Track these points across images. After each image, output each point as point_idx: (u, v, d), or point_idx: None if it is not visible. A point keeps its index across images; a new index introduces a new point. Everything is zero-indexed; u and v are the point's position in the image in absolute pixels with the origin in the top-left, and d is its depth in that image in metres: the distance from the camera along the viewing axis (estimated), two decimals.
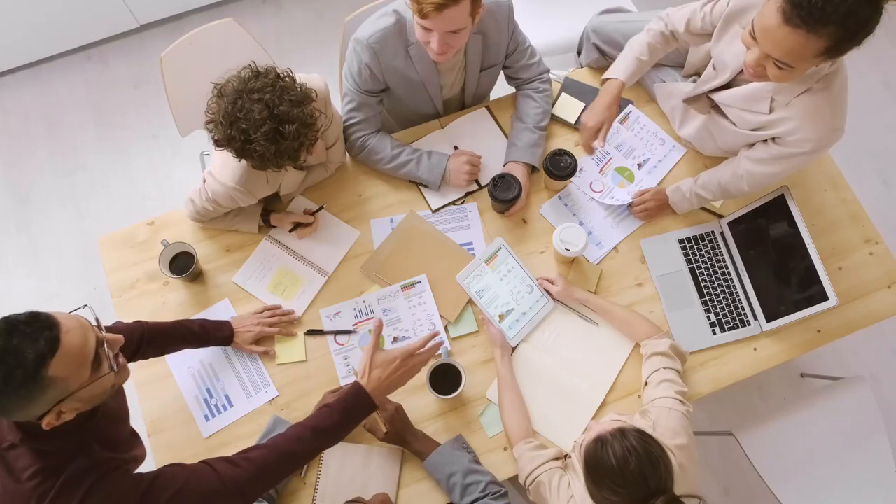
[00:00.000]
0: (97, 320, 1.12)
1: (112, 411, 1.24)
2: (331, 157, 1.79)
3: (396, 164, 1.81)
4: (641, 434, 1.23)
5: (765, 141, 1.54)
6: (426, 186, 1.85)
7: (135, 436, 1.36)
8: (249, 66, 1.37)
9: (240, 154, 1.36)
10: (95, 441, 1.14)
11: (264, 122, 1.29)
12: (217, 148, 1.37)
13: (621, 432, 1.23)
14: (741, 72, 1.50)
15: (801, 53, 1.23)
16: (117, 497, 1.11)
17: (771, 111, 1.46)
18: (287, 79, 1.37)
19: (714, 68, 1.63)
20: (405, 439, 1.54)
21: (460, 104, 1.99)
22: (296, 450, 1.23)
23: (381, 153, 1.82)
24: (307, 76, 1.54)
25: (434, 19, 1.44)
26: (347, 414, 1.28)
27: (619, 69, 1.75)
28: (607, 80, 1.77)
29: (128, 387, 1.32)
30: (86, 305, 1.18)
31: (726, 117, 1.62)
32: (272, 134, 1.30)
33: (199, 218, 1.74)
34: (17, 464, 1.09)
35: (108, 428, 1.20)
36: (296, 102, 1.33)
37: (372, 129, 1.83)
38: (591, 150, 1.77)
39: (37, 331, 0.99)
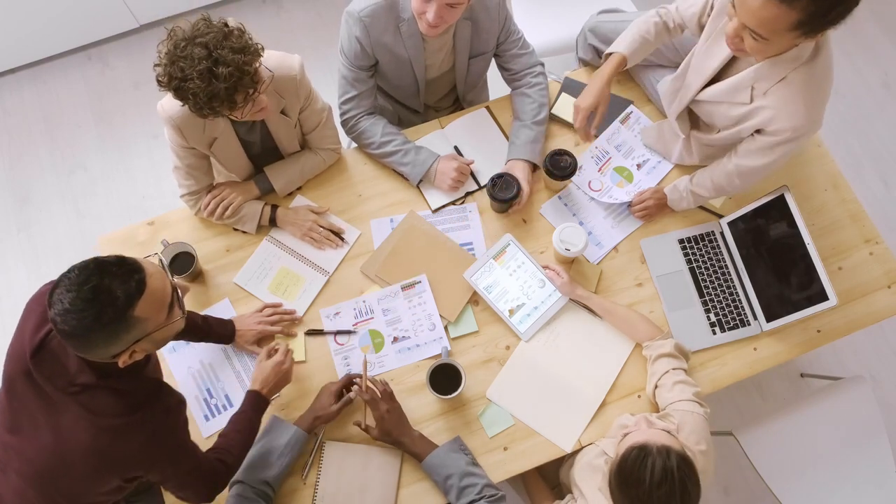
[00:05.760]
0: (166, 268, 1.18)
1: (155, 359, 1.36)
2: (316, 143, 1.80)
3: (383, 151, 1.83)
4: (686, 462, 1.21)
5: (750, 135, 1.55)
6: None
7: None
8: (202, 16, 1.40)
9: (177, 94, 1.39)
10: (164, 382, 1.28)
11: (201, 61, 1.32)
12: (160, 88, 1.40)
13: (667, 452, 1.21)
14: (723, 69, 1.53)
15: (775, 25, 1.23)
16: (180, 432, 1.26)
17: (752, 100, 1.48)
18: (235, 30, 1.39)
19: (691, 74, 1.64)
20: (398, 440, 1.53)
21: (450, 85, 1.99)
22: (248, 440, 1.46)
23: (371, 137, 1.83)
24: (283, 54, 1.59)
25: None
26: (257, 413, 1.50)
27: (622, 43, 1.70)
28: (609, 55, 1.72)
29: None
30: (156, 254, 1.27)
31: (706, 130, 1.62)
32: (206, 73, 1.33)
33: (186, 193, 1.73)
34: (95, 403, 1.15)
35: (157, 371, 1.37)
36: (237, 49, 1.35)
37: (365, 108, 1.84)
38: (586, 136, 1.71)
39: (127, 273, 1.06)
